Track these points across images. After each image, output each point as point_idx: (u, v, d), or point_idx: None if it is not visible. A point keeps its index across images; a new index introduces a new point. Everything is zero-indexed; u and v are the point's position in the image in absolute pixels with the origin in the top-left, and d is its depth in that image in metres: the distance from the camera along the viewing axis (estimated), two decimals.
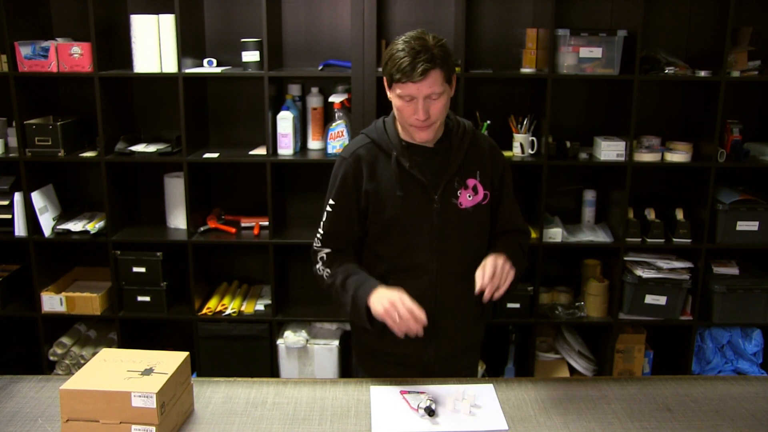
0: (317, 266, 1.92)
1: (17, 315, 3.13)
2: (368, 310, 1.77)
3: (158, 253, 3.00)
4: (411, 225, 1.84)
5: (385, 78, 1.79)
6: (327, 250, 1.90)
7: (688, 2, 3.06)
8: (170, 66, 2.87)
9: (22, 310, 3.12)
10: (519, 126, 2.99)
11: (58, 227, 3.02)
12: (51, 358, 3.12)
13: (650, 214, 3.04)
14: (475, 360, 2.11)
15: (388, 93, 1.81)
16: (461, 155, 1.86)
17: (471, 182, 1.87)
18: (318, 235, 1.92)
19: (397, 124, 1.87)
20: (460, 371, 1.98)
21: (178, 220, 3.11)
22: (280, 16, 3.09)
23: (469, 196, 1.86)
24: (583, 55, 2.84)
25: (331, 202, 1.89)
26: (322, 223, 1.91)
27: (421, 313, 1.70)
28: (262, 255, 3.24)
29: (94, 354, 2.73)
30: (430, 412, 1.66)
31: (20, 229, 3.01)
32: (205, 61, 3.00)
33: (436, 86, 1.72)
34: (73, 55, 2.85)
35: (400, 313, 1.68)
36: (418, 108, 1.73)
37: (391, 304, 1.70)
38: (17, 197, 2.99)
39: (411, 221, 1.83)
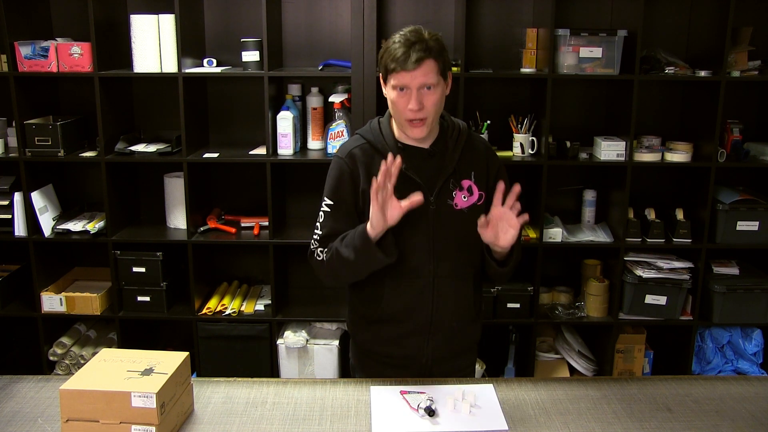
0: (315, 256, 1.86)
1: (17, 315, 3.13)
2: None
3: (158, 253, 3.00)
4: (407, 227, 1.82)
5: (380, 73, 1.80)
6: (324, 249, 1.87)
7: (688, 2, 3.06)
8: (170, 66, 2.87)
9: (22, 310, 3.12)
10: (519, 126, 2.99)
11: (58, 227, 3.02)
12: (51, 358, 3.12)
13: (650, 214, 3.03)
14: (473, 360, 2.10)
15: (384, 89, 1.80)
16: (456, 156, 1.85)
17: (466, 183, 1.86)
18: (315, 236, 1.87)
19: (392, 125, 1.86)
20: (457, 372, 1.98)
21: (178, 220, 3.11)
22: (280, 16, 3.09)
23: (464, 197, 1.86)
24: (583, 55, 2.84)
25: (328, 201, 1.86)
26: (319, 224, 1.87)
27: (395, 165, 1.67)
28: (261, 255, 3.24)
29: (94, 354, 2.73)
30: (430, 412, 1.66)
31: (20, 229, 3.01)
32: (205, 61, 3.00)
33: (431, 77, 1.72)
34: (73, 55, 2.85)
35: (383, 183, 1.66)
36: (411, 98, 1.73)
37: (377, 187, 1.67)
38: (17, 197, 2.99)
39: (407, 223, 1.82)
